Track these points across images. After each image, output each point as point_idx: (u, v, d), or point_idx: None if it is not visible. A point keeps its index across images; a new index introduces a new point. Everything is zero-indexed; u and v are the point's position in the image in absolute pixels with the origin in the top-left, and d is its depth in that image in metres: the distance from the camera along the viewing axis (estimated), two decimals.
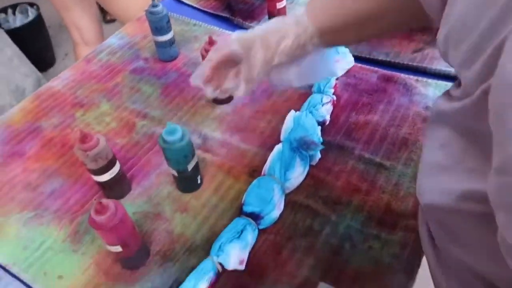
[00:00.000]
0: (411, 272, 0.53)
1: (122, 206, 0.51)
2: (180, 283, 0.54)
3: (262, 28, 0.53)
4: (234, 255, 0.54)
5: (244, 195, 0.61)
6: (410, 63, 0.79)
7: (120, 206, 0.51)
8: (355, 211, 0.60)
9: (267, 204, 0.58)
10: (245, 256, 0.55)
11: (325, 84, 0.73)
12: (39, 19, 2.09)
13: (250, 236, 0.56)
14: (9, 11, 2.09)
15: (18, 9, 2.10)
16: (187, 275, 0.55)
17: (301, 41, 0.51)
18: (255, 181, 0.61)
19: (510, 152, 0.24)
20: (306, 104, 0.71)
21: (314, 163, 0.65)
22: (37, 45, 2.11)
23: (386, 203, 0.60)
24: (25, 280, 0.57)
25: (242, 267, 0.54)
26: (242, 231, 0.56)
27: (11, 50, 1.84)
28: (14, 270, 0.58)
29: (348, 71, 0.80)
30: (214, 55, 0.55)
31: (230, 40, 0.54)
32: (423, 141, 0.44)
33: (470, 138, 0.34)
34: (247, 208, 0.58)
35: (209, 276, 0.53)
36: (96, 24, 1.50)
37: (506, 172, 0.25)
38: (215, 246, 0.55)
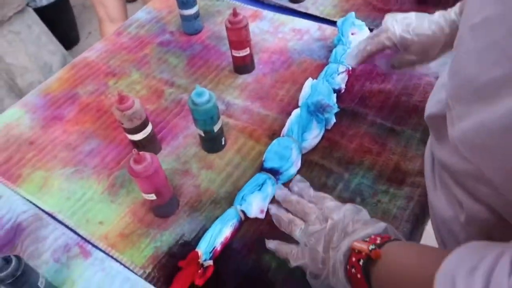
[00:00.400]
0: (416, 221, 0.58)
1: (157, 158, 0.58)
2: (207, 229, 0.61)
3: (417, 32, 0.61)
4: (255, 204, 0.60)
5: (265, 153, 0.66)
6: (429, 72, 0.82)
7: (155, 158, 0.57)
8: (366, 169, 0.65)
9: (286, 161, 0.63)
10: (265, 206, 0.61)
11: (341, 54, 0.77)
12: None
13: (270, 189, 0.62)
14: None
15: None
16: (212, 223, 0.62)
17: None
18: (274, 141, 0.67)
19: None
20: (323, 73, 0.76)
21: (329, 126, 0.70)
22: (63, 24, 2.19)
23: (395, 162, 0.65)
24: (70, 226, 0.65)
25: (262, 215, 0.60)
26: (262, 184, 0.62)
27: (39, 28, 1.91)
28: (59, 217, 0.66)
29: None
30: (372, 45, 0.65)
31: (389, 33, 0.63)
32: None
33: None
34: (267, 164, 0.64)
35: (233, 222, 0.59)
36: (121, 2, 1.56)
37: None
38: (238, 197, 0.61)
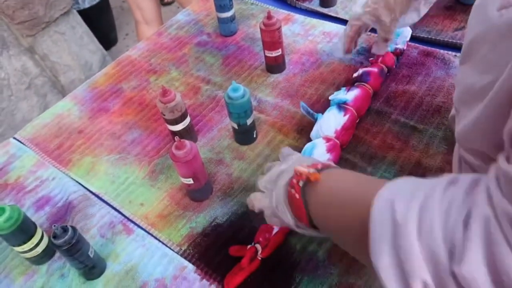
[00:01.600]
0: None
1: (196, 146, 0.64)
2: (238, 214, 0.66)
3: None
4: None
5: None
6: (450, 40, 0.86)
7: (194, 145, 0.63)
8: (389, 164, 0.69)
9: None
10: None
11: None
12: (105, 1, 2.28)
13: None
14: None
15: None
16: (243, 208, 0.67)
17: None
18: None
19: None
20: None
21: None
22: (103, 25, 2.31)
23: (417, 159, 0.69)
24: (114, 206, 0.72)
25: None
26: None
27: (82, 29, 2.03)
28: (105, 198, 0.73)
29: None
30: (350, 31, 0.75)
31: (358, 14, 0.73)
32: None
33: None
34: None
35: None
36: (156, 5, 1.65)
37: None
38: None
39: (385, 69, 0.80)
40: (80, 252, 0.58)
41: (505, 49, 0.37)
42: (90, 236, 0.68)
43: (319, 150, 0.68)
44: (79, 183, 0.75)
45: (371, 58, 0.83)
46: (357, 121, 0.74)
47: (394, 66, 0.82)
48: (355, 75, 0.79)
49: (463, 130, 0.44)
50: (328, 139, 0.69)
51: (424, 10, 0.74)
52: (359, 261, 0.58)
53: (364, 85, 0.76)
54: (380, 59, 0.81)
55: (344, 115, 0.71)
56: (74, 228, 0.57)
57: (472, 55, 0.44)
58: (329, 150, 0.68)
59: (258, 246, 0.60)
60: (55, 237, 0.55)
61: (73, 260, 0.58)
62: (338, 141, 0.69)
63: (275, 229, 0.61)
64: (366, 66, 0.80)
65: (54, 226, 0.55)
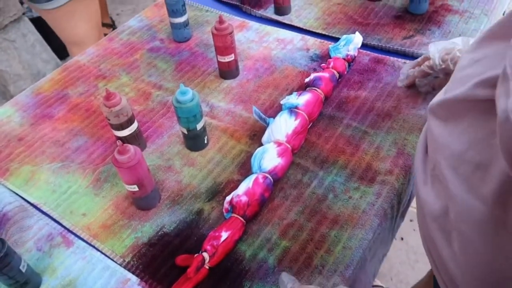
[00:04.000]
0: (383, 215, 0.62)
1: (140, 151, 0.61)
2: (186, 222, 0.64)
3: (455, 60, 0.69)
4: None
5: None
6: (399, 48, 0.88)
7: (138, 150, 0.60)
8: (340, 168, 0.68)
9: None
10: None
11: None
12: None
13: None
14: None
15: None
16: (192, 216, 0.64)
17: None
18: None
19: None
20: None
21: None
22: (57, 34, 2.23)
23: (367, 162, 0.69)
24: (54, 217, 0.67)
25: None
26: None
27: (34, 37, 1.95)
28: (44, 208, 0.68)
29: None
30: (417, 72, 0.75)
31: (431, 61, 0.72)
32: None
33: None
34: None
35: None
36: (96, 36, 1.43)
37: None
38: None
39: (336, 75, 0.80)
40: (9, 266, 0.53)
41: None
42: (25, 250, 0.63)
43: (270, 155, 0.66)
44: (16, 194, 0.70)
45: (323, 64, 0.83)
46: (309, 125, 0.74)
47: (345, 72, 0.83)
48: (306, 80, 0.79)
49: None
50: (279, 144, 0.68)
51: None
52: (309, 266, 0.56)
53: (316, 90, 0.76)
54: (331, 64, 0.81)
55: (295, 119, 0.70)
56: (2, 241, 0.53)
57: None
58: (280, 155, 0.66)
59: (206, 255, 0.57)
60: None
61: (2, 275, 0.53)
62: (289, 146, 0.68)
63: (223, 236, 0.59)
64: (318, 72, 0.80)
65: None
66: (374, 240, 0.61)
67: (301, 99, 0.73)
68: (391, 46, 0.89)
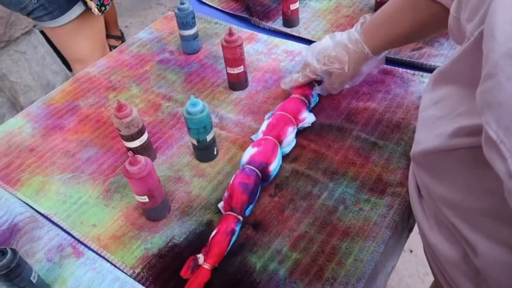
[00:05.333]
0: (395, 228, 0.61)
1: (151, 162, 0.61)
2: (196, 233, 0.64)
3: (332, 60, 0.74)
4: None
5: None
6: (408, 59, 0.88)
7: (149, 161, 0.61)
8: (350, 180, 0.68)
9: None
10: None
11: None
12: None
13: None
14: None
15: None
16: (202, 227, 0.64)
17: (361, 63, 0.74)
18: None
19: (494, 58, 0.30)
20: None
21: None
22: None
23: (378, 174, 0.68)
24: (64, 227, 0.67)
25: None
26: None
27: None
28: (54, 219, 0.68)
29: None
30: (301, 78, 0.79)
31: (312, 67, 0.76)
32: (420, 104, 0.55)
33: (466, 88, 0.41)
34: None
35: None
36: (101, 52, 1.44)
37: (490, 76, 0.31)
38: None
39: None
40: (20, 277, 0.53)
41: None
42: (36, 260, 0.63)
43: (246, 151, 0.70)
44: (27, 204, 0.71)
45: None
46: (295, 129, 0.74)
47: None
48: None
49: None
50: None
51: (365, 74, 0.79)
52: (320, 279, 0.56)
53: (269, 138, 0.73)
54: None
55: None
56: (14, 251, 0.53)
57: None
58: (255, 145, 0.70)
59: (199, 255, 0.58)
60: None
61: (13, 286, 0.53)
62: (267, 136, 0.70)
63: (213, 233, 0.60)
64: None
65: None
66: (385, 252, 0.60)
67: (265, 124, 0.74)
68: (400, 58, 0.89)
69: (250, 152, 0.69)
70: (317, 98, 0.82)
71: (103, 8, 1.21)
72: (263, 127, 0.73)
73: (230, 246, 0.60)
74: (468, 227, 0.43)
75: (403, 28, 0.68)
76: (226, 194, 0.65)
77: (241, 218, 0.63)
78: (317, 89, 0.81)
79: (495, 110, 0.33)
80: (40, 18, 1.19)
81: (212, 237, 0.59)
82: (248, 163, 0.67)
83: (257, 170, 0.66)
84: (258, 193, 0.66)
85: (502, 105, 0.32)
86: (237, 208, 0.62)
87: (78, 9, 1.19)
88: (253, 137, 0.77)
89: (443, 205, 0.48)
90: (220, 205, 0.66)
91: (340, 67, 0.73)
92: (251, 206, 0.64)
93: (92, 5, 1.18)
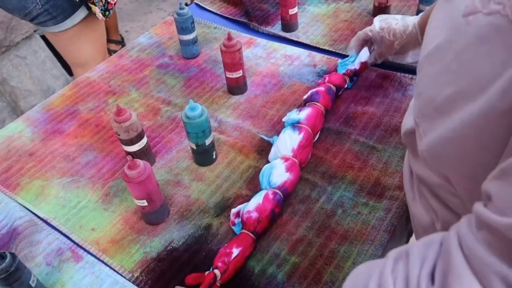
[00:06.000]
0: (393, 231, 0.61)
1: (150, 166, 0.61)
2: (195, 237, 0.64)
3: (388, 30, 0.80)
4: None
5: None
6: (406, 64, 0.88)
7: (148, 165, 0.61)
8: (348, 183, 0.68)
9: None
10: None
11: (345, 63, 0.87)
12: None
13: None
14: None
15: None
16: (201, 231, 0.64)
17: (410, 47, 0.80)
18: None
19: (421, 58, 0.40)
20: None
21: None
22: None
23: (376, 177, 0.68)
24: (63, 231, 0.67)
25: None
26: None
27: (45, 53, 1.99)
28: (54, 223, 0.68)
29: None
30: (360, 34, 0.85)
31: (372, 27, 0.83)
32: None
33: None
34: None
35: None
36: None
37: (417, 71, 0.43)
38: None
39: (333, 88, 0.80)
40: (19, 281, 0.53)
41: (471, 59, 0.34)
42: (35, 264, 0.63)
43: (278, 171, 0.67)
44: (27, 208, 0.71)
45: (319, 80, 0.85)
46: (314, 139, 0.74)
47: (345, 85, 0.83)
48: (305, 97, 0.80)
49: (430, 147, 0.41)
50: (286, 159, 0.68)
51: (412, 59, 0.83)
52: (319, 282, 0.56)
53: (315, 104, 0.76)
54: (327, 79, 0.82)
55: (299, 133, 0.70)
56: (13, 255, 0.53)
57: (433, 64, 0.41)
58: (288, 169, 0.67)
59: (217, 272, 0.57)
60: None
61: None
62: (296, 160, 0.68)
63: (234, 253, 0.58)
64: (315, 88, 0.81)
65: None
66: (383, 256, 0.60)
67: (302, 114, 0.73)
68: (399, 62, 0.89)
69: (283, 176, 0.66)
70: (350, 84, 0.86)
71: (107, 13, 1.22)
72: (291, 142, 0.70)
73: None
74: (432, 197, 0.49)
75: None
76: (252, 212, 0.62)
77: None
78: (367, 55, 0.85)
79: (417, 99, 0.44)
80: (44, 23, 1.19)
81: (233, 259, 0.58)
82: (280, 188, 0.65)
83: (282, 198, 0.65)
84: None
85: (421, 95, 0.43)
86: (260, 232, 0.62)
87: (81, 13, 1.20)
88: (271, 157, 0.72)
89: (417, 179, 0.53)
90: (233, 211, 0.64)
91: (391, 39, 0.79)
92: None
93: (97, 10, 1.19)
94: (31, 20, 1.19)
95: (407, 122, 0.56)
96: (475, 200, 0.32)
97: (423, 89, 0.43)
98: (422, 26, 0.76)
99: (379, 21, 0.82)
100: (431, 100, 0.40)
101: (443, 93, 0.38)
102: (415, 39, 0.77)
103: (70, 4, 1.16)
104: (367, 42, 0.85)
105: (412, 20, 0.78)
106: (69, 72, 2.15)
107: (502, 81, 0.30)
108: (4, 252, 0.52)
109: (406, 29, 0.78)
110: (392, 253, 0.35)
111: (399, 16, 0.81)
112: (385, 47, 0.81)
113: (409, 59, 0.83)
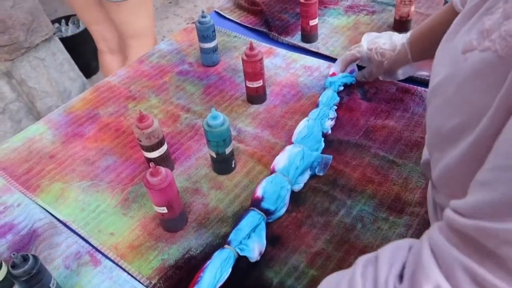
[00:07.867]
0: None
1: (171, 173, 0.61)
2: (213, 246, 0.64)
3: (378, 50, 0.81)
4: (257, 249, 0.60)
5: (260, 189, 0.67)
6: (427, 78, 0.88)
7: (169, 173, 0.61)
8: (368, 198, 0.68)
9: (281, 202, 0.66)
10: (263, 248, 0.61)
11: (331, 99, 0.83)
12: (87, 30, 2.28)
13: (263, 231, 0.63)
14: (63, 21, 2.30)
15: (70, 20, 2.30)
16: (219, 240, 0.64)
17: (399, 65, 0.82)
18: (270, 179, 0.68)
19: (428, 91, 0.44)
20: (315, 114, 0.80)
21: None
22: (85, 54, 2.30)
23: (396, 193, 0.68)
24: (82, 235, 0.68)
25: (258, 258, 0.61)
26: (257, 226, 0.63)
27: (63, 56, 2.02)
28: (73, 226, 0.69)
29: (370, 83, 0.89)
30: (348, 56, 0.87)
31: (360, 48, 0.84)
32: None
33: None
34: (265, 205, 0.65)
35: (230, 263, 0.59)
36: (118, 35, 1.63)
37: (427, 104, 0.47)
38: (236, 237, 0.61)
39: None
40: (40, 283, 0.53)
41: (470, 92, 0.38)
42: (53, 267, 0.63)
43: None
44: (46, 210, 0.72)
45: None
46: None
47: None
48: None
49: (440, 175, 0.44)
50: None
51: (402, 76, 0.86)
52: None
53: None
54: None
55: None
56: (35, 257, 0.53)
57: (437, 97, 0.45)
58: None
59: None
60: (13, 266, 0.51)
61: None
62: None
63: None
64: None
65: (14, 254, 0.51)
66: None
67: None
68: (419, 77, 0.89)
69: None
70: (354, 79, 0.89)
71: None
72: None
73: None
74: None
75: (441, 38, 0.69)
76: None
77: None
78: (358, 74, 0.88)
79: (428, 131, 0.49)
80: None
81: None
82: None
83: None
84: None
85: (430, 127, 0.47)
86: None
87: None
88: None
89: (438, 207, 0.53)
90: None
91: (380, 60, 0.80)
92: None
93: None
94: None
95: (425, 153, 0.58)
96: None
97: (431, 121, 0.47)
98: (412, 44, 0.77)
99: (367, 42, 0.83)
100: (439, 131, 0.43)
101: (448, 124, 0.41)
102: (404, 57, 0.79)
103: None
104: (354, 62, 0.88)
105: (400, 40, 0.79)
106: (86, 74, 2.18)
107: (491, 111, 0.33)
108: (27, 254, 0.53)
109: (395, 48, 0.79)
110: (361, 260, 0.38)
111: (386, 35, 0.82)
112: (374, 67, 0.83)
113: (400, 76, 0.86)
